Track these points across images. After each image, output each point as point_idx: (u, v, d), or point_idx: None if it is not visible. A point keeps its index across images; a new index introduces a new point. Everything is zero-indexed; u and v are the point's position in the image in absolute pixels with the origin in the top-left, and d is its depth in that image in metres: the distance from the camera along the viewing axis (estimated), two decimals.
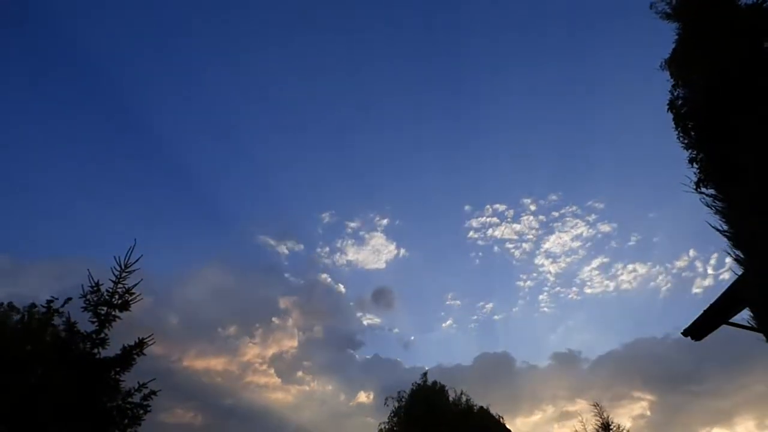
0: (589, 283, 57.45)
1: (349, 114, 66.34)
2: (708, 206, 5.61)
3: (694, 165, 5.75)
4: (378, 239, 60.13)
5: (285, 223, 65.28)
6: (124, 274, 8.68)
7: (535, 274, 59.83)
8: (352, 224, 61.45)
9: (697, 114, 5.63)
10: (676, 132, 5.94)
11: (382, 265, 60.51)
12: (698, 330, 7.27)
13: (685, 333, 7.40)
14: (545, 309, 59.34)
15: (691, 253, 52.30)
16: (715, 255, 51.00)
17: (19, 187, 54.25)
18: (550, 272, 58.36)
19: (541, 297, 59.54)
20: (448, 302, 62.90)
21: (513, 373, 48.25)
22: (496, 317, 60.48)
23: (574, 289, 58.20)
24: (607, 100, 60.55)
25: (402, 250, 61.65)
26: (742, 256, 5.30)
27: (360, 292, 67.56)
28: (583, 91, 60.65)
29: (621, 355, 50.41)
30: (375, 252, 60.06)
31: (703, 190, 5.65)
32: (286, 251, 60.46)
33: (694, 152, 5.74)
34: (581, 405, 40.76)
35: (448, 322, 61.31)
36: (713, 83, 5.37)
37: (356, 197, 69.72)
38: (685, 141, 5.83)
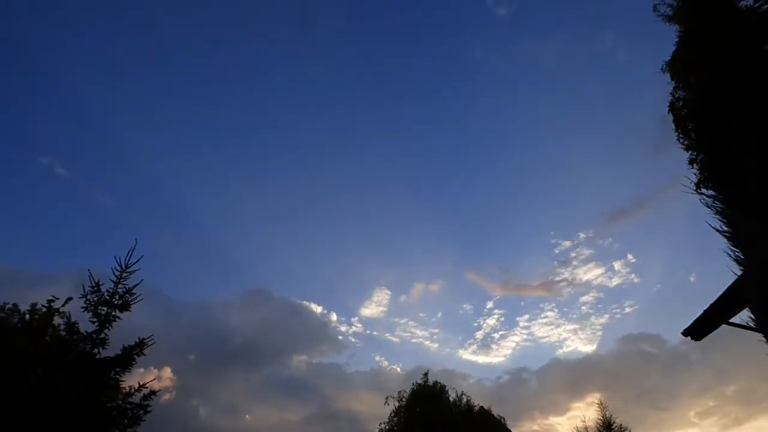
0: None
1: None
2: (708, 207, 5.65)
3: (694, 166, 5.79)
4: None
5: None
6: (124, 275, 8.69)
7: None
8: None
9: (697, 116, 5.66)
10: (677, 134, 5.98)
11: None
12: (698, 330, 7.29)
13: (685, 333, 7.41)
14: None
15: None
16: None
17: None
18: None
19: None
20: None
21: None
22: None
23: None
24: None
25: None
26: (742, 256, 5.32)
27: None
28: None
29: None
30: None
31: (703, 191, 5.69)
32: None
33: (694, 154, 5.78)
34: None
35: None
36: (713, 85, 5.40)
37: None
38: (686, 142, 5.87)
